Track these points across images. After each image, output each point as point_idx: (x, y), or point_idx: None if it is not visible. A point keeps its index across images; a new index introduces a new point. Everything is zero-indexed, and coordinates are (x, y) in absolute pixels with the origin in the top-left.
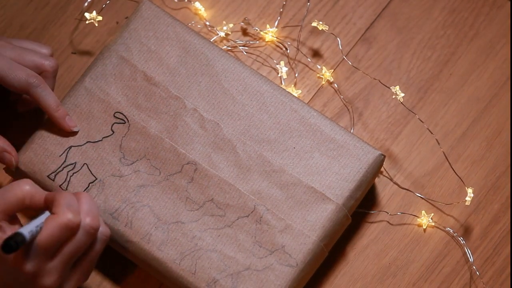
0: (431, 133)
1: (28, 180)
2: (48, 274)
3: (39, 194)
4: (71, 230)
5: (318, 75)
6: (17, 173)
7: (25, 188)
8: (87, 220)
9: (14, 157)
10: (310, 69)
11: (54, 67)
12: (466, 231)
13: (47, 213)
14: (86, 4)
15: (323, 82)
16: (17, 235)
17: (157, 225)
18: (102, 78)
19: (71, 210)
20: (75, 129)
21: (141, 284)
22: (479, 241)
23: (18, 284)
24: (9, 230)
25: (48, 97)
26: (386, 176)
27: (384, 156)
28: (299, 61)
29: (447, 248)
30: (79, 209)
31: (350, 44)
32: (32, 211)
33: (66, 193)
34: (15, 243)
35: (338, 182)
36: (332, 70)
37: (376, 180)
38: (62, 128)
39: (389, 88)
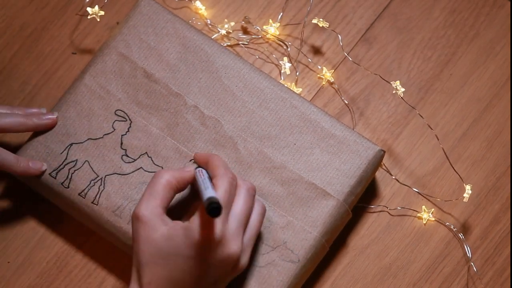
0: (431, 128)
1: (160, 170)
2: (232, 239)
3: (179, 173)
4: (235, 187)
5: (318, 75)
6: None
7: (165, 175)
8: (246, 182)
9: (39, 164)
10: (311, 69)
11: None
12: (467, 232)
13: (206, 177)
14: (87, 0)
15: (324, 83)
16: (213, 198)
17: None
18: (102, 75)
19: (229, 170)
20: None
21: None
22: (480, 242)
23: (205, 261)
24: (170, 222)
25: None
26: (385, 170)
27: (384, 152)
28: (300, 62)
29: (447, 248)
30: None
31: (351, 45)
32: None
33: (215, 155)
34: (219, 204)
35: (338, 178)
36: (333, 70)
37: (377, 177)
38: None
39: (389, 83)
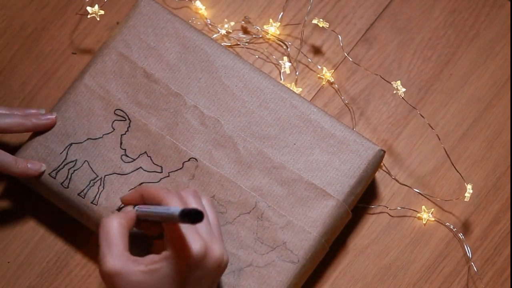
0: (432, 128)
1: (103, 219)
2: (211, 243)
3: (123, 214)
4: (183, 198)
5: (318, 75)
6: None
7: (113, 220)
8: (187, 189)
9: (37, 165)
10: (311, 69)
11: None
12: (467, 232)
13: (153, 206)
14: (87, 0)
15: (324, 83)
16: (185, 209)
17: None
18: (101, 75)
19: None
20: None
21: None
22: (480, 242)
23: (198, 276)
24: (142, 260)
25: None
26: (385, 171)
27: (384, 152)
28: (300, 62)
29: (447, 248)
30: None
31: (351, 45)
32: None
33: (142, 187)
34: (195, 210)
35: (338, 178)
36: (333, 70)
37: (377, 177)
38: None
39: (390, 83)
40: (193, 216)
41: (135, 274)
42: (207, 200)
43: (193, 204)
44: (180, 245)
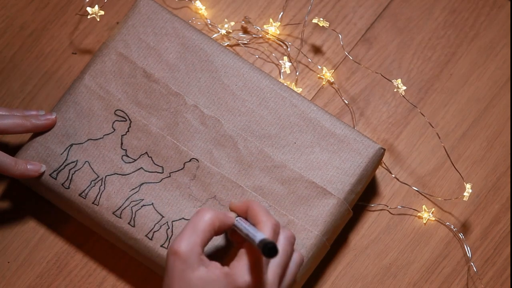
0: (432, 127)
1: (203, 208)
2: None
3: (222, 215)
4: (277, 234)
5: (318, 75)
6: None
7: (209, 214)
8: (285, 230)
9: (37, 166)
10: (311, 69)
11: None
12: (467, 232)
13: (250, 224)
14: (87, 0)
15: (324, 83)
16: (267, 239)
17: (160, 222)
18: (101, 76)
19: (271, 216)
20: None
21: (143, 281)
22: (480, 242)
23: None
24: (208, 263)
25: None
26: (385, 169)
27: (384, 150)
28: (300, 62)
29: (447, 248)
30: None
31: (351, 45)
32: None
33: (253, 201)
34: (275, 245)
35: (339, 177)
36: (333, 70)
37: (378, 176)
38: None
39: (391, 81)
40: (268, 248)
41: (193, 271)
42: (298, 257)
43: (279, 245)
44: (245, 271)
